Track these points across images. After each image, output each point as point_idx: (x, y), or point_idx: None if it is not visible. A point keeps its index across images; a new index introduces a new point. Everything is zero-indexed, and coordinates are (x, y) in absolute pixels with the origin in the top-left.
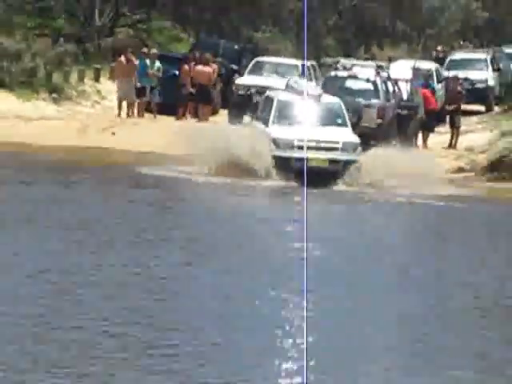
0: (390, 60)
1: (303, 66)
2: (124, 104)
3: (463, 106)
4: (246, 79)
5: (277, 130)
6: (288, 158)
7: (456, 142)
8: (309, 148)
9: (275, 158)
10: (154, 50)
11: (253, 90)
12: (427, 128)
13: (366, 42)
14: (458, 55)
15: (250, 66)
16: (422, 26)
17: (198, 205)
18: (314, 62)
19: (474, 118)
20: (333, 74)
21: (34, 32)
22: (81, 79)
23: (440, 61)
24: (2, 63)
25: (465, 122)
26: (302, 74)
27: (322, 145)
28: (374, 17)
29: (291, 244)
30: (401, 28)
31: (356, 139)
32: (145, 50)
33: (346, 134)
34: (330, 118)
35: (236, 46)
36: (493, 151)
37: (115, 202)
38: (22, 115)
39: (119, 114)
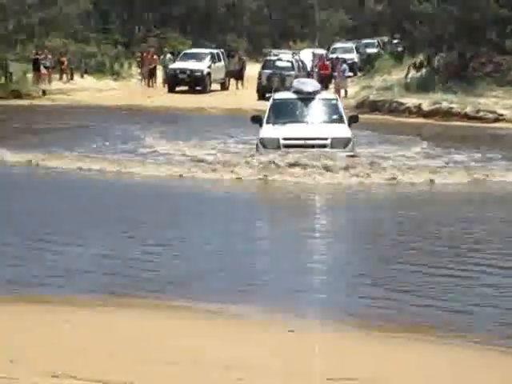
0: (300, 49)
1: (211, 53)
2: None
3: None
4: (175, 64)
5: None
6: None
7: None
8: None
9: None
10: (165, 49)
11: (178, 71)
12: (323, 85)
13: (287, 40)
14: (337, 45)
15: (180, 55)
16: (317, 31)
17: None
18: (222, 50)
19: (348, 79)
20: (268, 58)
21: (102, 41)
22: (129, 67)
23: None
24: (86, 60)
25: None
26: (212, 59)
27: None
28: (292, 26)
29: None
30: (305, 32)
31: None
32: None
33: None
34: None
35: (214, 45)
36: (358, 97)
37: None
38: (97, 88)
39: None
